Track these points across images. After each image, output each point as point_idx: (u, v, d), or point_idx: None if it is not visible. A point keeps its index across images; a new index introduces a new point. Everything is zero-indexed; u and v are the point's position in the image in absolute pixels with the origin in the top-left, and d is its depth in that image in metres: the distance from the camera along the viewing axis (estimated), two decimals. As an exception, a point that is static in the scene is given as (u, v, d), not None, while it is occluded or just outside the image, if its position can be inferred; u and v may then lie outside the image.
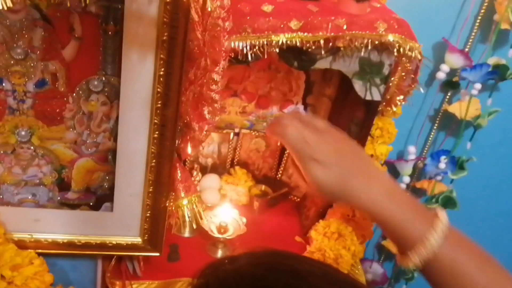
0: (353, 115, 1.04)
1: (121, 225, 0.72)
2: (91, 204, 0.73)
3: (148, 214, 0.71)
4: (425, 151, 1.33)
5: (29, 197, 0.71)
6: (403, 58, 0.91)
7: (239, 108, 1.15)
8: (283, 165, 1.18)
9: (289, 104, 1.17)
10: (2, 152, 0.68)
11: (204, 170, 1.14)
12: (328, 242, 0.95)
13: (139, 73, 0.61)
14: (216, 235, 0.95)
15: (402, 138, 1.32)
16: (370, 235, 0.98)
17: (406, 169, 1.30)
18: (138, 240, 0.74)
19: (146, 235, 0.73)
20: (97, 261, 0.83)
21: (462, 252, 0.59)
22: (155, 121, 0.63)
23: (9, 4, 0.47)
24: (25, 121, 0.66)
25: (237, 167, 1.16)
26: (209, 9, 0.53)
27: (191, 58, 0.62)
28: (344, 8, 0.86)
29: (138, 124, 0.64)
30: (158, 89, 0.61)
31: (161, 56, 0.59)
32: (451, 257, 0.58)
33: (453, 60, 1.14)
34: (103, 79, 0.64)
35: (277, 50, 0.82)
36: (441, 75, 1.17)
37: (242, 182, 1.13)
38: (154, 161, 0.66)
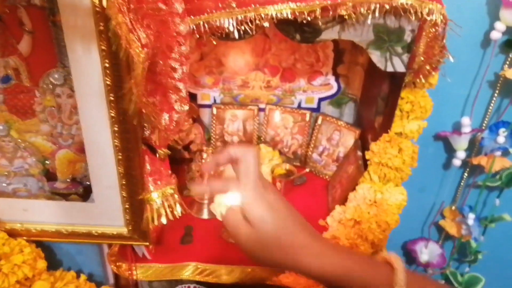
0: (380, 88, 0.93)
1: (104, 216, 0.72)
2: (79, 193, 0.73)
3: (127, 206, 0.70)
4: (484, 123, 1.16)
5: (22, 187, 0.74)
6: (428, 22, 0.78)
7: (263, 82, 1.09)
8: (313, 141, 1.11)
9: (318, 75, 1.08)
10: (-14, 145, 0.70)
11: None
12: (344, 230, 0.88)
13: (86, 66, 0.58)
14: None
15: (457, 109, 1.16)
16: (395, 222, 0.88)
17: (460, 143, 1.15)
18: (123, 230, 0.73)
19: (130, 226, 0.72)
20: (102, 245, 0.84)
21: None
22: (112, 114, 0.60)
23: None
24: (0, 116, 0.67)
25: (262, 145, 1.11)
26: None
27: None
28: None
29: (97, 118, 0.62)
30: (107, 82, 0.58)
31: (103, 47, 0.55)
32: None
33: (510, 17, 0.96)
34: (62, 71, 0.62)
35: (268, 24, 0.75)
36: (495, 35, 0.99)
37: (266, 161, 1.08)
38: (120, 154, 0.64)
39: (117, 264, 0.85)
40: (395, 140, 0.90)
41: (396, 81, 0.87)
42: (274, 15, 0.73)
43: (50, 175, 0.72)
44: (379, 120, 0.94)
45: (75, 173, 0.72)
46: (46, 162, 0.71)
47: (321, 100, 1.11)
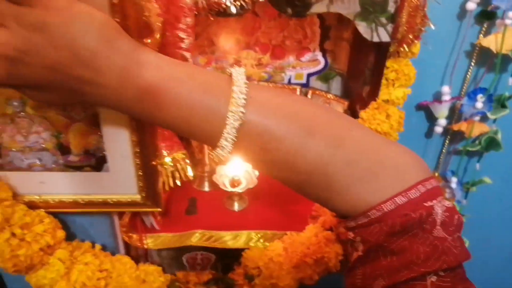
0: (366, 60, 0.99)
1: (119, 184, 0.77)
2: (92, 165, 0.78)
3: (140, 173, 0.74)
4: (463, 91, 1.23)
5: (37, 162, 0.77)
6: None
7: (254, 60, 1.14)
8: (304, 115, 1.16)
9: (306, 52, 1.14)
10: (2, 123, 0.74)
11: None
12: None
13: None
14: (229, 189, 0.97)
15: (436, 78, 1.23)
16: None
17: (441, 111, 1.22)
18: (137, 197, 0.78)
19: (143, 192, 0.77)
20: (113, 218, 0.89)
21: (273, 115, 0.50)
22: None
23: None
24: (15, 92, 0.71)
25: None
26: None
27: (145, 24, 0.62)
28: None
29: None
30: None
31: (116, 20, 0.59)
32: (262, 127, 0.50)
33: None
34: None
35: (262, -2, 0.79)
36: (471, 6, 1.06)
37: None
38: (134, 122, 0.69)
39: (128, 235, 0.90)
40: (382, 107, 0.96)
41: (381, 51, 0.93)
42: (268, -12, 0.78)
43: (64, 149, 0.77)
44: (367, 89, 1.00)
45: (88, 146, 0.76)
46: (60, 136, 0.75)
47: (309, 75, 1.17)
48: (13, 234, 0.73)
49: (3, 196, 0.72)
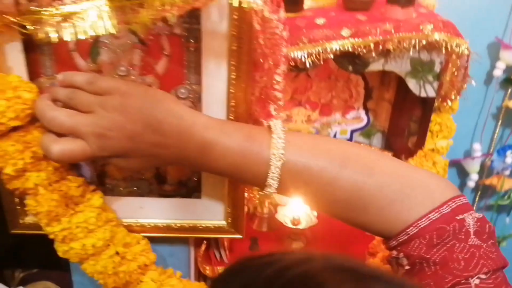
0: (412, 114, 1.12)
1: (209, 211, 0.86)
2: (183, 194, 0.87)
3: (230, 199, 0.84)
4: (491, 148, 1.36)
5: (134, 189, 0.87)
6: (453, 55, 0.99)
7: (304, 117, 1.27)
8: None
9: (351, 109, 1.28)
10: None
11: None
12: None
13: (216, 78, 0.75)
14: (290, 225, 1.06)
15: (467, 136, 1.36)
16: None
17: (473, 167, 1.34)
18: (223, 223, 0.87)
19: (230, 219, 0.86)
20: (190, 248, 0.97)
21: (309, 154, 0.62)
22: (231, 117, 0.77)
23: (114, 31, 0.64)
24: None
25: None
26: (267, 18, 0.67)
27: (256, 64, 0.75)
28: (391, 15, 0.97)
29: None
30: (231, 90, 0.75)
31: (232, 62, 0.73)
32: (301, 165, 0.61)
33: (508, 57, 1.19)
34: (188, 87, 0.79)
35: (332, 56, 0.94)
36: (498, 73, 1.22)
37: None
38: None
39: (203, 265, 0.98)
40: (429, 155, 1.08)
41: (427, 106, 1.07)
42: (337, 49, 0.93)
43: (160, 178, 0.87)
44: (413, 140, 1.13)
45: (182, 176, 0.87)
46: (160, 167, 0.86)
47: (353, 131, 1.30)
48: (117, 253, 0.81)
49: (110, 217, 0.81)
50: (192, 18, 0.74)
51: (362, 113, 1.28)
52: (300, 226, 1.06)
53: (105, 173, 0.86)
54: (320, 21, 0.94)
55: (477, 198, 1.40)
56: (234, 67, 0.73)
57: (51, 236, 0.78)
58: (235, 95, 0.75)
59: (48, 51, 0.76)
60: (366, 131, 1.30)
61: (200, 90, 0.78)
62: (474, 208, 1.40)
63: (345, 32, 0.93)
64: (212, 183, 0.85)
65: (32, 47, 0.74)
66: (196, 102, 0.80)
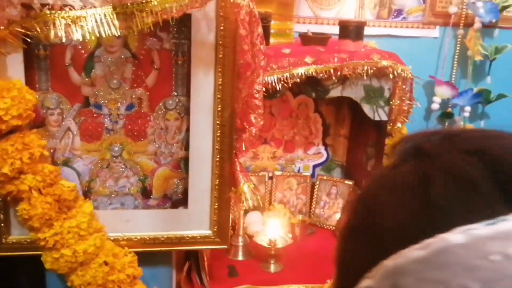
0: (368, 140, 1.24)
1: (195, 220, 0.89)
2: (168, 208, 0.90)
3: (216, 206, 0.88)
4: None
5: (119, 206, 0.89)
6: (399, 82, 1.14)
7: (270, 154, 1.35)
8: (315, 199, 1.35)
9: (312, 146, 1.38)
10: (99, 167, 0.87)
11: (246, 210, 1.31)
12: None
13: (204, 85, 0.83)
14: (268, 246, 1.09)
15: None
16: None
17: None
18: (208, 232, 0.89)
19: (215, 227, 0.89)
20: (172, 271, 0.97)
21: None
22: (217, 122, 0.84)
23: (117, 33, 0.71)
24: (118, 138, 0.86)
25: (275, 203, 1.33)
26: (255, 14, 0.77)
27: (239, 75, 0.84)
28: (344, 47, 1.11)
29: (205, 126, 0.84)
30: (218, 96, 0.82)
31: (219, 69, 0.81)
32: None
33: (442, 91, 1.36)
34: (175, 99, 0.86)
35: (298, 81, 1.05)
36: (435, 106, 1.38)
37: (282, 215, 1.29)
38: (218, 156, 0.85)
39: (185, 288, 0.98)
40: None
41: (381, 129, 1.19)
42: (303, 74, 1.04)
43: (146, 193, 0.89)
44: (371, 163, 1.23)
45: (167, 189, 0.90)
46: (146, 180, 0.89)
47: (314, 167, 1.39)
48: (105, 263, 0.80)
49: (99, 226, 0.82)
50: (181, 33, 0.83)
51: (322, 148, 1.38)
52: (278, 247, 1.09)
53: (91, 189, 0.88)
54: (286, 50, 1.06)
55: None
56: (221, 74, 0.82)
57: (42, 243, 0.77)
58: (221, 100, 0.83)
59: (45, 66, 0.81)
60: (327, 166, 1.40)
61: (187, 101, 0.85)
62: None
63: (308, 59, 1.05)
64: (197, 194, 0.88)
65: (30, 63, 0.79)
66: (182, 112, 0.87)
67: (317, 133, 1.38)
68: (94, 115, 0.85)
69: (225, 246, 0.91)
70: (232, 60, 0.81)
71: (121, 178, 0.88)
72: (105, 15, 0.70)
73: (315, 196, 1.35)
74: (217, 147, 0.85)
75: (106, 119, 0.85)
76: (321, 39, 1.14)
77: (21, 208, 0.75)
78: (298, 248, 1.18)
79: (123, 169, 0.88)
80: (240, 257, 1.16)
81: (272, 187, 1.35)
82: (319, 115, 1.36)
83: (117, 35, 0.71)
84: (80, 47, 0.81)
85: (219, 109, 0.83)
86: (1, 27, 0.72)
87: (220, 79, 0.82)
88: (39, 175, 0.74)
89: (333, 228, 1.31)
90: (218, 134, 0.84)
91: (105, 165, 0.88)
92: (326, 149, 1.39)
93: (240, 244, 1.17)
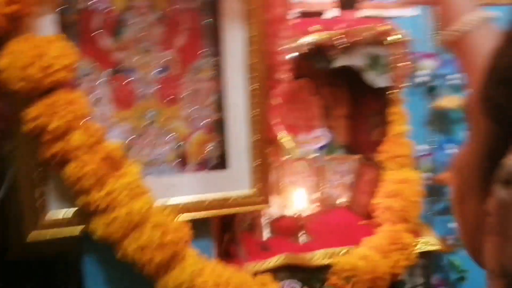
0: (370, 110, 1.28)
1: (236, 179, 0.87)
2: (207, 172, 0.88)
3: (256, 163, 0.87)
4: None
5: (157, 174, 0.86)
6: (396, 47, 1.20)
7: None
8: (323, 180, 1.36)
9: (314, 129, 1.40)
10: (135, 135, 0.84)
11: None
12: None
13: (236, 39, 0.84)
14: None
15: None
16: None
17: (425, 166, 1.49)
18: (251, 191, 0.88)
19: (257, 185, 0.88)
20: (212, 244, 0.94)
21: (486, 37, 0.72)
22: (251, 75, 0.85)
23: None
24: (151, 104, 0.85)
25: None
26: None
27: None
28: (342, 17, 1.16)
29: (238, 81, 0.85)
30: (251, 48, 0.84)
31: (250, 22, 0.83)
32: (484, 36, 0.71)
33: (427, 64, 1.44)
34: (207, 59, 0.86)
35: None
36: (420, 79, 1.46)
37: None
38: (254, 111, 0.86)
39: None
40: (396, 140, 1.22)
41: (383, 96, 1.23)
42: (309, 43, 1.08)
43: (182, 161, 0.87)
44: (377, 132, 1.27)
45: (203, 154, 0.88)
46: (182, 146, 0.87)
47: (318, 149, 1.41)
48: (158, 224, 0.77)
49: (147, 187, 0.78)
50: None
51: (324, 130, 1.41)
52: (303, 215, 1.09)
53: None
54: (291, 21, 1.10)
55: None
56: (252, 26, 0.83)
57: (93, 207, 0.72)
58: (254, 52, 0.84)
59: (74, 32, 0.79)
60: (330, 148, 1.42)
61: (218, 61, 0.86)
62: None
63: (315, 28, 1.09)
64: (236, 154, 0.87)
65: (60, 29, 0.77)
66: (214, 72, 0.87)
67: (318, 116, 1.40)
68: (126, 80, 0.83)
69: (269, 205, 0.90)
70: (263, 11, 0.83)
71: (157, 146, 0.86)
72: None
73: (324, 176, 1.36)
74: (253, 101, 0.85)
75: (138, 84, 0.84)
76: (317, 12, 1.19)
77: (71, 167, 0.71)
78: (320, 221, 1.18)
79: (159, 136, 0.86)
80: (267, 235, 1.14)
81: (280, 172, 1.35)
82: (318, 98, 1.39)
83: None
84: (108, 10, 0.80)
85: (253, 62, 0.84)
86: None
87: (252, 32, 0.83)
88: (87, 131, 0.71)
89: (347, 204, 1.33)
90: (253, 88, 0.85)
91: (139, 133, 0.85)
92: (328, 131, 1.41)
93: (265, 222, 1.15)
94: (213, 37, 0.86)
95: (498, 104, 0.42)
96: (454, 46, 0.78)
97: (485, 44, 0.74)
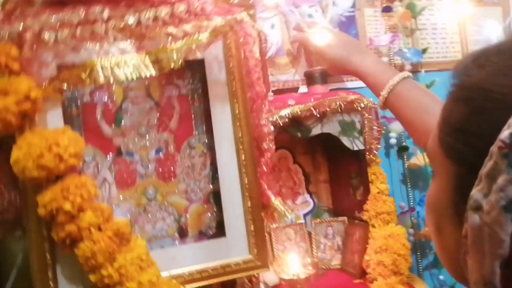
0: (350, 171, 1.38)
1: (235, 245, 0.93)
2: (206, 241, 0.94)
3: (252, 228, 0.93)
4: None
5: (159, 249, 0.91)
6: (364, 114, 1.32)
7: (263, 209, 1.43)
8: (314, 244, 1.41)
9: (298, 195, 1.48)
10: (137, 213, 0.91)
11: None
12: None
13: (223, 118, 0.93)
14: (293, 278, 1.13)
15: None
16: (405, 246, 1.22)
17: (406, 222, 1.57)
18: (250, 257, 0.93)
19: (255, 249, 0.93)
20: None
21: (414, 88, 0.94)
22: (240, 147, 0.93)
23: (154, 73, 0.82)
24: (151, 182, 0.92)
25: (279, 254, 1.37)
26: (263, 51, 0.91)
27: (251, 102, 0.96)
28: (315, 91, 1.29)
29: (229, 153, 0.93)
30: (238, 124, 0.93)
31: (235, 101, 0.93)
32: (406, 89, 0.93)
33: (396, 127, 1.56)
34: (197, 137, 0.95)
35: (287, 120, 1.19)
36: (393, 141, 1.57)
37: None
38: (246, 179, 0.93)
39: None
40: (378, 197, 1.31)
41: (361, 158, 1.34)
42: (288, 115, 1.19)
43: (182, 232, 0.93)
44: (359, 192, 1.36)
45: (201, 225, 0.94)
46: (181, 219, 0.93)
47: (305, 215, 1.48)
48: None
49: (153, 260, 0.83)
50: (194, 79, 0.95)
51: (307, 197, 1.49)
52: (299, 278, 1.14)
53: (131, 236, 0.90)
54: (270, 98, 1.21)
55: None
56: (237, 105, 0.93)
57: (106, 281, 0.77)
58: (241, 127, 0.93)
59: (78, 123, 0.87)
60: (315, 213, 1.49)
61: (208, 137, 0.95)
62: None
63: (291, 101, 1.21)
64: (233, 221, 0.94)
65: (65, 121, 0.85)
66: (205, 148, 0.95)
67: (300, 183, 1.49)
68: (127, 163, 0.91)
69: (268, 269, 0.95)
70: (245, 91, 0.94)
71: (158, 221, 0.92)
72: (141, 59, 0.81)
73: (314, 240, 1.42)
74: (243, 171, 0.93)
75: (138, 165, 0.91)
76: (293, 89, 1.32)
77: (83, 246, 0.76)
78: (317, 285, 1.22)
79: (159, 212, 0.92)
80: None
81: (272, 240, 1.40)
82: (298, 166, 1.49)
83: (153, 74, 0.82)
84: (108, 102, 0.90)
85: (240, 135, 0.93)
86: (43, 86, 0.80)
87: (237, 110, 0.93)
88: (97, 211, 0.77)
89: (339, 267, 1.37)
90: (243, 158, 0.93)
91: (142, 210, 0.91)
92: (311, 197, 1.49)
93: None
94: (203, 117, 0.95)
95: (456, 148, 0.51)
96: (389, 107, 0.93)
97: (409, 96, 0.89)
